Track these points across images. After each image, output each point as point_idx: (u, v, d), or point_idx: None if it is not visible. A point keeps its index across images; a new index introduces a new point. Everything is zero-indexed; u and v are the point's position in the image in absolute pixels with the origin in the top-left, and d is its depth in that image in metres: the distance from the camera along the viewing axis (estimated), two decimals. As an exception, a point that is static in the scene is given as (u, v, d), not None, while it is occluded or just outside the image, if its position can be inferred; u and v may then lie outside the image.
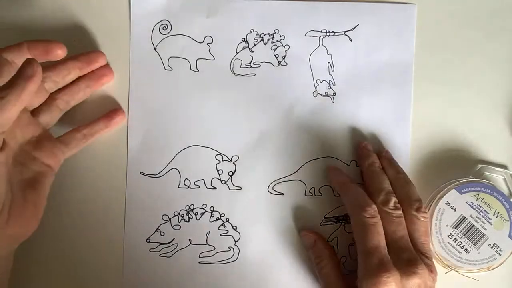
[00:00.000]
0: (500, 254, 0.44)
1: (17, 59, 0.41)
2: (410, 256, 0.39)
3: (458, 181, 0.45)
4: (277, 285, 0.46)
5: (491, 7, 0.48)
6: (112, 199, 0.47)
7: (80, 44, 0.47)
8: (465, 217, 0.44)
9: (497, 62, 0.48)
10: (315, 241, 0.45)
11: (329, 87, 0.47)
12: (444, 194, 0.45)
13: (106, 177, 0.47)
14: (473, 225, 0.44)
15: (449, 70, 0.48)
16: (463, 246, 0.44)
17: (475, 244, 0.44)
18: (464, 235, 0.44)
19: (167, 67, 0.47)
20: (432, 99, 0.48)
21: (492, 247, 0.44)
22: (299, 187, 0.47)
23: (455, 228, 0.44)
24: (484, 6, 0.48)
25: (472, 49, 0.48)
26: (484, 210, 0.44)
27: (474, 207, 0.44)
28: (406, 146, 0.47)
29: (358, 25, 0.47)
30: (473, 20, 0.48)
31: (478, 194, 0.44)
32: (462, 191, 0.44)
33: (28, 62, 0.37)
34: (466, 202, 0.44)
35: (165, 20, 0.47)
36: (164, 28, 0.47)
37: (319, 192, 0.47)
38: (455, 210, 0.44)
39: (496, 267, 0.44)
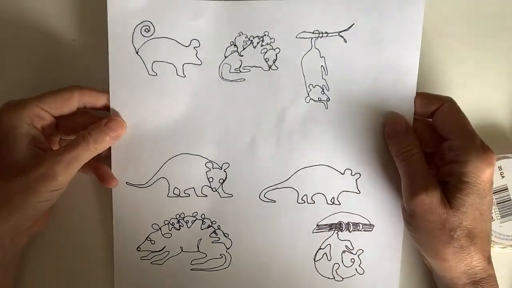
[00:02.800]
0: None
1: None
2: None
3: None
4: None
5: (496, 6, 0.47)
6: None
7: (81, 44, 0.45)
8: (507, 188, 0.45)
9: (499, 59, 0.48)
10: (406, 128, 0.43)
11: (322, 92, 0.45)
12: (501, 159, 0.45)
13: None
14: (511, 199, 0.45)
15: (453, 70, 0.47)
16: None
17: (502, 217, 0.45)
18: (497, 204, 0.45)
19: (151, 72, 0.44)
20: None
21: None
22: (291, 194, 0.46)
23: (493, 193, 0.44)
24: (489, 4, 0.47)
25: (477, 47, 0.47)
26: None
27: None
28: None
29: (353, 24, 0.44)
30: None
31: None
32: None
33: (121, 125, 0.43)
34: None
35: (147, 21, 0.44)
36: (146, 30, 0.44)
37: (312, 199, 0.45)
38: (503, 177, 0.45)
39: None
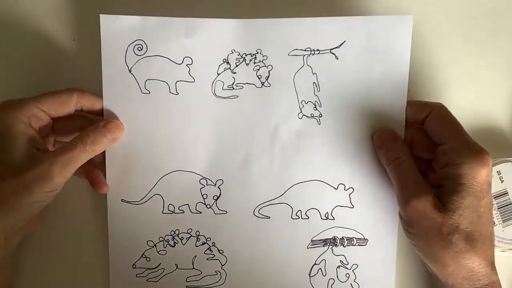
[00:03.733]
0: None
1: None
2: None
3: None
4: None
5: (496, 5, 0.47)
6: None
7: (81, 44, 0.45)
8: (507, 192, 0.45)
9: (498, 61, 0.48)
10: (394, 137, 0.43)
11: (314, 108, 0.45)
12: (499, 163, 0.45)
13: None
14: (511, 203, 0.45)
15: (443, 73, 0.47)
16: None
17: (504, 221, 0.45)
18: (498, 208, 0.45)
19: (144, 90, 0.45)
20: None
21: None
22: (285, 210, 0.46)
23: (494, 198, 0.45)
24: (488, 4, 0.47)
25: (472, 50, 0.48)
26: None
27: None
28: None
29: (344, 41, 0.44)
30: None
31: None
32: None
33: (118, 127, 0.43)
34: None
35: (140, 40, 0.44)
36: (139, 49, 0.44)
37: (306, 215, 0.46)
38: (502, 181, 0.45)
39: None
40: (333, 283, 0.46)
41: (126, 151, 0.45)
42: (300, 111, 0.45)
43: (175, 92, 0.45)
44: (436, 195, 0.40)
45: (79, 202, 0.47)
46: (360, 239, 0.46)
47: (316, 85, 0.45)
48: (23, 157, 0.39)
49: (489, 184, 0.40)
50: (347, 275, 0.46)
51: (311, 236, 0.46)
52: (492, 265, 0.40)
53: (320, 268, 0.46)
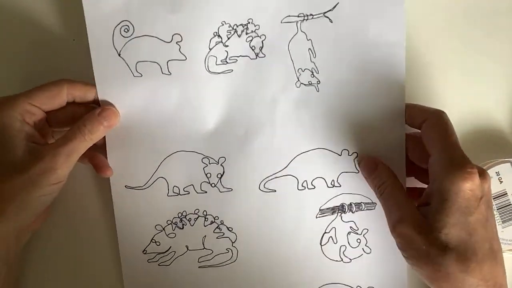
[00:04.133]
0: None
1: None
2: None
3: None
4: (278, 282, 0.46)
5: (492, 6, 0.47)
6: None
7: (80, 44, 0.44)
8: (506, 193, 0.45)
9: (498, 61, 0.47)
10: (376, 165, 0.43)
11: (312, 76, 0.44)
12: (497, 164, 0.45)
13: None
14: (511, 203, 0.45)
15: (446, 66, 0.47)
16: None
17: (503, 222, 0.45)
18: (497, 209, 0.45)
19: (136, 74, 0.43)
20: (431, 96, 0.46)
21: None
22: (291, 182, 0.45)
23: (493, 199, 0.44)
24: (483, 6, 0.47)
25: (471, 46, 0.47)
26: None
27: None
28: (400, 129, 0.44)
29: (338, 3, 0.42)
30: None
31: None
32: None
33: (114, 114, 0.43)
34: None
35: (126, 20, 0.42)
36: (126, 30, 0.42)
37: (312, 184, 0.45)
38: (501, 182, 0.45)
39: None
40: (345, 250, 0.46)
41: (125, 137, 0.44)
42: (297, 80, 0.44)
43: (167, 73, 0.43)
44: (424, 213, 0.38)
45: (84, 192, 0.47)
46: (368, 203, 0.45)
47: (312, 51, 0.43)
48: (25, 153, 0.39)
49: (478, 199, 0.37)
50: (358, 241, 0.46)
51: (319, 205, 0.45)
52: (494, 286, 0.37)
53: (331, 236, 0.46)
